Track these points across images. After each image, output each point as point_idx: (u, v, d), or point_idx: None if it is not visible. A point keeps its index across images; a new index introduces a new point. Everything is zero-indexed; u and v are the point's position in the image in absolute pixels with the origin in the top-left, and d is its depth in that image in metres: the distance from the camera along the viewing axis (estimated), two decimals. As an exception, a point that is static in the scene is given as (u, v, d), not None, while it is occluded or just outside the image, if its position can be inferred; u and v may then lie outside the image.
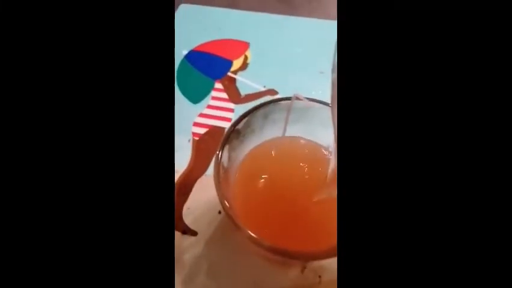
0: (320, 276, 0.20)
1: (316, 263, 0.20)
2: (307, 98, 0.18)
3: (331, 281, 0.20)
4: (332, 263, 0.20)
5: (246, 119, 0.17)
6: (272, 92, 0.28)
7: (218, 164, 0.16)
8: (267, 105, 0.17)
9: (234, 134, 0.17)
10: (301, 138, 0.19)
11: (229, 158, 0.17)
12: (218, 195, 0.15)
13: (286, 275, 0.20)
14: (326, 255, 0.14)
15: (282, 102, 0.17)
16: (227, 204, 0.15)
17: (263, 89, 0.28)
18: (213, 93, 0.28)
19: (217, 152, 0.16)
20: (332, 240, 0.15)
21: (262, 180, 0.18)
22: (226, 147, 0.16)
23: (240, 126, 0.17)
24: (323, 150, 0.19)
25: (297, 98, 0.17)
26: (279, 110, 0.18)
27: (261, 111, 0.17)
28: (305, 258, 0.15)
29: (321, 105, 0.17)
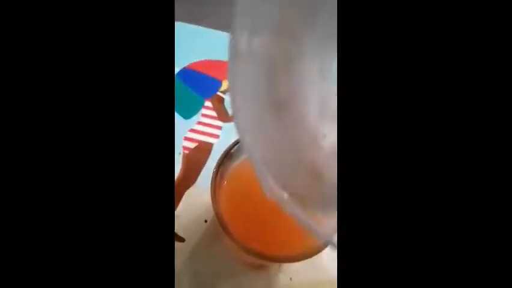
0: (290, 279, 0.23)
1: (287, 266, 0.23)
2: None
3: (300, 282, 0.23)
4: (302, 265, 0.23)
5: (239, 144, 0.20)
6: (256, 113, 0.31)
7: (215, 182, 0.19)
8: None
9: (228, 157, 0.20)
10: None
11: (222, 175, 0.20)
12: (214, 209, 0.18)
13: (261, 277, 0.23)
14: (301, 258, 0.18)
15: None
16: (223, 218, 0.18)
17: (248, 111, 0.31)
18: (203, 111, 0.31)
19: (214, 171, 0.19)
20: (305, 244, 0.18)
21: (245, 188, 0.21)
22: (221, 169, 0.19)
23: (233, 150, 0.20)
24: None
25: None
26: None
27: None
28: (283, 260, 0.18)
29: None
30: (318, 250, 0.18)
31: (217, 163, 0.19)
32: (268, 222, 0.20)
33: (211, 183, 0.19)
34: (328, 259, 0.24)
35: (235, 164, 0.21)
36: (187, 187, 0.26)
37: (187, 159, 0.27)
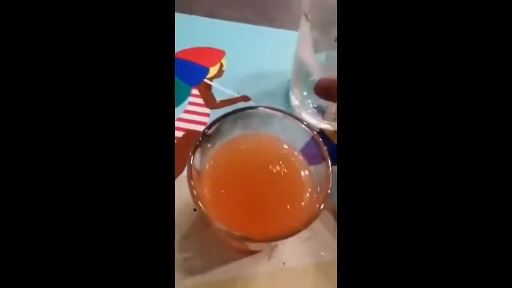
0: (284, 263, 0.22)
1: (280, 251, 0.22)
2: (271, 108, 0.20)
3: (293, 267, 0.22)
4: (294, 251, 0.22)
5: (216, 125, 0.19)
6: (245, 98, 0.30)
7: (190, 166, 0.18)
8: (236, 112, 0.20)
9: (205, 138, 0.19)
10: (271, 135, 0.21)
11: (201, 159, 0.19)
12: (192, 196, 0.17)
13: (254, 263, 0.22)
14: (290, 234, 0.17)
15: (250, 110, 0.20)
16: (201, 204, 0.17)
17: (237, 96, 0.30)
18: (190, 99, 0.30)
19: (190, 155, 0.18)
20: (290, 224, 0.17)
21: (228, 172, 0.20)
22: (198, 150, 0.18)
23: (210, 131, 0.19)
24: (285, 145, 0.21)
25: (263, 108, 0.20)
26: (247, 116, 0.20)
27: (231, 117, 0.19)
28: (265, 240, 0.17)
29: (282, 113, 0.20)
30: (305, 225, 0.17)
31: (193, 147, 0.18)
32: (254, 205, 0.20)
33: (187, 168, 0.18)
34: (320, 243, 0.23)
35: (217, 147, 0.20)
36: (176, 176, 0.25)
37: (175, 148, 0.27)
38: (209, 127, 0.19)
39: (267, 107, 0.20)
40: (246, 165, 0.20)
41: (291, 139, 0.21)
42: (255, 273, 0.22)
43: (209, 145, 0.20)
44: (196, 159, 0.18)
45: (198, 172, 0.19)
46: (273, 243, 0.22)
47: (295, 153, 0.21)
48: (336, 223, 0.24)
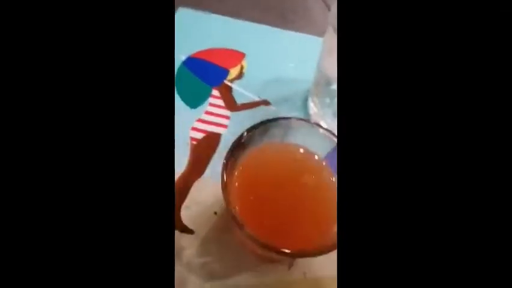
0: (304, 273, 0.22)
1: (301, 261, 0.23)
2: (302, 119, 0.20)
3: (314, 278, 0.22)
4: (316, 261, 0.22)
5: (251, 132, 0.19)
6: (265, 102, 0.30)
7: (225, 173, 0.18)
8: (268, 122, 0.20)
9: (240, 145, 0.19)
10: (297, 145, 0.21)
11: (232, 165, 0.19)
12: (225, 202, 0.17)
13: (274, 271, 0.22)
14: (312, 254, 0.17)
15: (282, 121, 0.20)
16: (234, 209, 0.17)
17: (258, 99, 0.30)
18: (211, 100, 0.30)
19: (223, 162, 0.18)
20: (319, 240, 0.17)
21: (258, 180, 0.20)
22: (231, 159, 0.18)
23: (244, 139, 0.19)
24: (314, 156, 0.21)
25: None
26: (278, 126, 0.20)
27: (262, 127, 0.19)
28: (294, 255, 0.17)
29: (309, 124, 0.20)
30: (334, 246, 0.17)
31: (228, 153, 0.18)
32: (283, 215, 0.20)
33: (222, 174, 0.18)
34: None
35: (246, 154, 0.20)
36: (196, 178, 0.25)
37: (195, 150, 0.27)
38: (243, 135, 0.19)
39: (298, 119, 0.20)
40: (276, 174, 0.20)
41: (317, 149, 0.21)
42: (274, 281, 0.22)
43: (241, 152, 0.20)
44: (229, 166, 0.18)
45: (230, 176, 0.19)
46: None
47: (324, 164, 0.21)
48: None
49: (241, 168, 0.20)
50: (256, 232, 0.17)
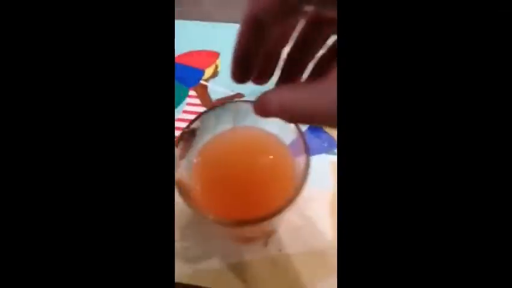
0: (280, 250, 0.23)
1: (276, 239, 0.23)
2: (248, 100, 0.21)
3: (290, 253, 0.23)
4: (289, 239, 0.23)
5: (199, 119, 0.20)
6: (239, 95, 0.31)
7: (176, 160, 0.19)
8: (217, 107, 0.21)
9: (185, 134, 0.20)
10: (252, 127, 0.22)
11: (187, 154, 0.21)
12: (177, 189, 0.18)
13: (251, 250, 0.23)
14: (273, 215, 0.17)
15: (229, 103, 0.21)
16: (185, 198, 0.18)
17: (231, 93, 0.31)
18: (188, 100, 0.31)
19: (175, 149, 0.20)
20: (276, 202, 0.18)
21: (216, 164, 0.21)
22: (180, 145, 0.20)
23: (194, 125, 0.20)
24: (272, 137, 0.22)
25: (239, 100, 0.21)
26: (228, 110, 0.21)
27: (212, 112, 0.21)
28: (258, 221, 0.18)
29: None
30: (292, 198, 0.17)
31: (178, 141, 0.20)
32: (242, 189, 0.20)
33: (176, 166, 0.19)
34: (314, 231, 0.23)
35: (203, 142, 0.22)
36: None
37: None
38: (192, 121, 0.20)
39: (248, 101, 0.21)
40: (233, 156, 0.21)
41: (278, 132, 0.22)
42: (252, 260, 0.23)
43: (194, 140, 0.21)
44: (179, 154, 0.20)
45: (187, 167, 0.20)
46: (268, 231, 0.23)
47: (282, 145, 0.22)
48: (329, 212, 0.24)
49: (200, 156, 0.21)
50: (219, 212, 0.18)
